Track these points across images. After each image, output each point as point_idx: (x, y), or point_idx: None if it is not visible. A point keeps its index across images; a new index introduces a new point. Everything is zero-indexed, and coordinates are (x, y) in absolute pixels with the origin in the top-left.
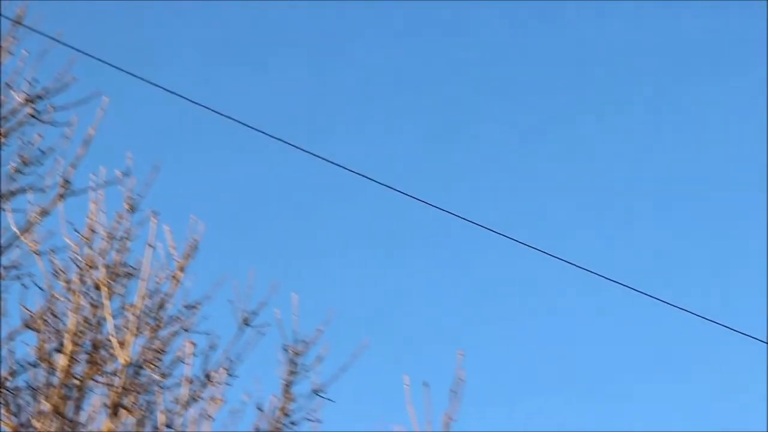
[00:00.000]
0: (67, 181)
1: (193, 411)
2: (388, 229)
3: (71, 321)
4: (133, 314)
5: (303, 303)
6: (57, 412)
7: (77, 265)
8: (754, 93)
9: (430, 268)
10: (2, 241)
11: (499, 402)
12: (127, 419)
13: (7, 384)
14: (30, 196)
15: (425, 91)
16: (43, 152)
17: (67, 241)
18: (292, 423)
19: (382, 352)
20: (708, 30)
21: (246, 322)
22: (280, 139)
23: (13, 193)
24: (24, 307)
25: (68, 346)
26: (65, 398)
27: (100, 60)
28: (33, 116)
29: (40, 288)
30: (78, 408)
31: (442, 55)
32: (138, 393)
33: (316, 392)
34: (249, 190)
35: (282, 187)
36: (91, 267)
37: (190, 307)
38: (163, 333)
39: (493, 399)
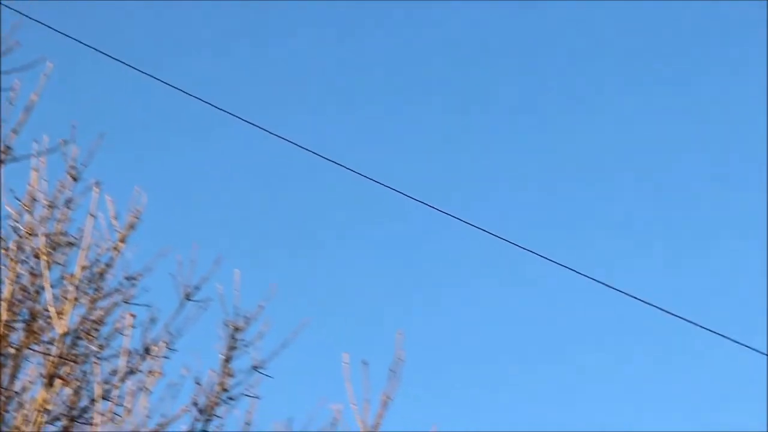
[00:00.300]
0: (8, 147)
1: (130, 383)
2: (332, 206)
3: (8, 289)
4: (72, 284)
5: (245, 279)
6: None
7: (16, 233)
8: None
9: (375, 246)
10: None
11: (439, 383)
12: (63, 389)
13: None
14: None
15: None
16: None
17: (7, 208)
18: (231, 398)
19: (324, 331)
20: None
21: (187, 296)
22: (223, 110)
23: None
24: None
25: (5, 315)
26: (0, 367)
27: (45, 25)
28: None
29: None
30: (13, 377)
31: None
32: (75, 363)
33: (255, 368)
34: (194, 163)
35: (227, 161)
36: (30, 235)
37: (130, 278)
38: (103, 304)
39: (431, 380)
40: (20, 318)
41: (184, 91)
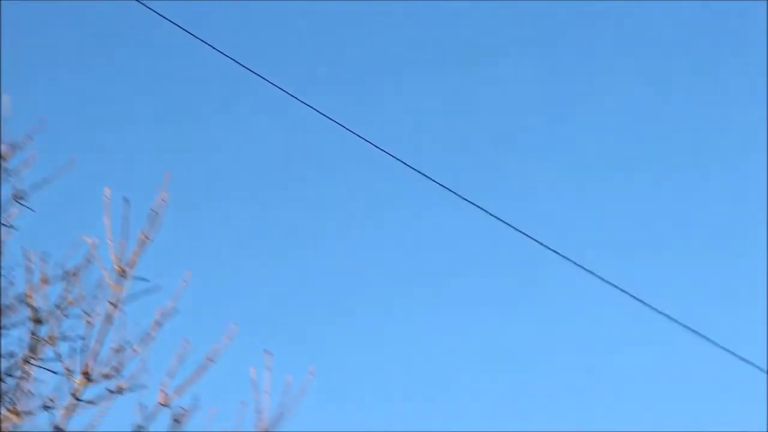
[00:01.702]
0: None
1: None
2: (103, 39)
3: None
4: None
5: (15, 107)
6: None
7: None
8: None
9: (143, 80)
10: None
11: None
12: None
13: None
14: None
15: None
16: None
17: None
18: None
19: (89, 168)
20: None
21: None
22: None
23: None
24: None
25: None
26: None
27: None
28: None
29: None
30: None
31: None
32: None
33: (16, 198)
34: None
35: None
36: None
37: None
38: None
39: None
40: None
41: None
